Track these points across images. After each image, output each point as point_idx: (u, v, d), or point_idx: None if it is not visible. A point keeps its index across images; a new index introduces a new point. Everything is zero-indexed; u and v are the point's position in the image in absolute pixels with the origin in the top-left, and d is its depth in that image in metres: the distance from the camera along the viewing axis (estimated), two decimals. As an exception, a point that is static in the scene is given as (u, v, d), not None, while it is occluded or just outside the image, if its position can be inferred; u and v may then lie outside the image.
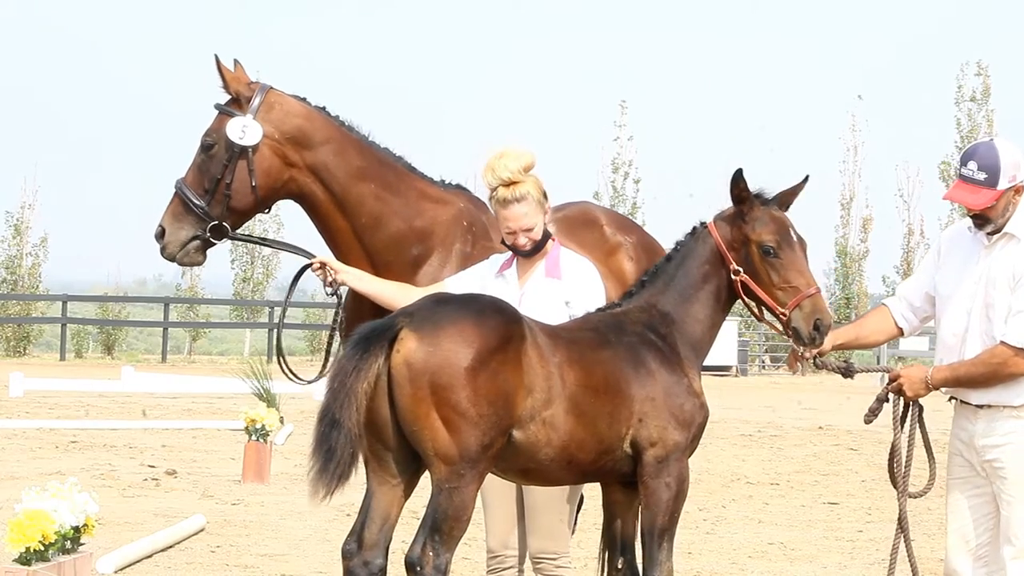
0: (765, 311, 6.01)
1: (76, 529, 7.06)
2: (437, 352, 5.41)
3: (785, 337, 6.09)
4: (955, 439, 6.21)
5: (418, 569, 5.40)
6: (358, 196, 6.65)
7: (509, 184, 6.27)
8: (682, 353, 5.94)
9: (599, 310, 6.13)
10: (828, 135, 56.27)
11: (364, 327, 5.62)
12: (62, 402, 22.68)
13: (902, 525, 6.34)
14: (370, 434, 5.56)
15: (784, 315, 5.91)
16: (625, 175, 48.21)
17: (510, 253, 6.47)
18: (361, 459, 5.63)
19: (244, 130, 6.53)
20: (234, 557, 10.08)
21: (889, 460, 6.33)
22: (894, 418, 6.26)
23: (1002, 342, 5.94)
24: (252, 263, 47.53)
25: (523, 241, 6.31)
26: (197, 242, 6.60)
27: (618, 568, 5.96)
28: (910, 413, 6.26)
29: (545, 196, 6.35)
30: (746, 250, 5.96)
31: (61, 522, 6.91)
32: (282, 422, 16.68)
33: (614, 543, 6.01)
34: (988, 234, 6.09)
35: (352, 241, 6.66)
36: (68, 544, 7.03)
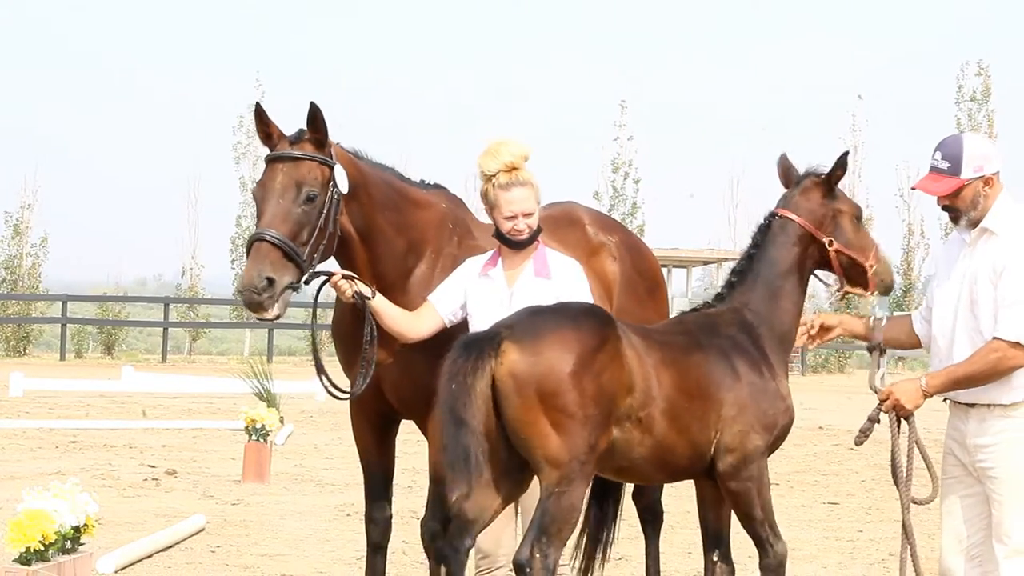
0: (848, 278, 6.36)
1: (76, 529, 7.06)
2: (540, 360, 5.49)
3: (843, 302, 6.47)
4: (949, 439, 6.24)
5: (528, 570, 5.50)
6: (377, 228, 6.60)
7: (511, 169, 6.29)
8: (771, 353, 6.08)
9: (693, 311, 6.25)
10: (828, 135, 56.24)
11: (467, 336, 5.74)
12: (62, 402, 22.65)
13: (908, 536, 6.33)
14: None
15: (872, 266, 6.34)
16: (625, 175, 48.19)
17: (489, 254, 6.46)
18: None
19: (344, 180, 6.40)
20: (234, 557, 10.06)
21: (893, 476, 6.35)
22: (892, 436, 6.27)
23: (995, 337, 5.93)
24: (252, 263, 47.41)
25: (522, 226, 6.31)
26: (291, 291, 6.34)
27: (714, 561, 6.11)
28: (906, 428, 6.27)
29: (539, 190, 6.39)
30: (837, 221, 6.34)
31: (61, 522, 6.91)
32: (282, 422, 16.70)
33: (708, 537, 6.16)
34: (969, 230, 6.12)
35: (365, 269, 6.58)
36: (68, 544, 7.03)
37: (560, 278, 6.34)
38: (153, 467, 14.93)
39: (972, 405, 6.08)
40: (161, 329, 41.98)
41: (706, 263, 45.92)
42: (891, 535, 11.46)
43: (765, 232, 6.25)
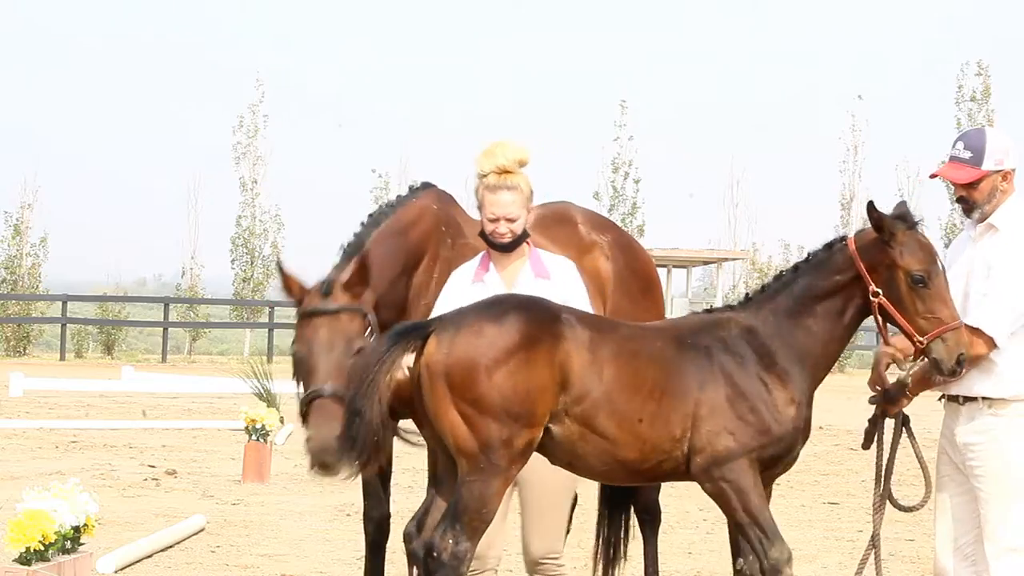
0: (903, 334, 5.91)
1: (76, 529, 7.08)
2: (452, 353, 5.59)
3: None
4: (942, 437, 6.28)
5: (435, 554, 5.56)
6: (388, 291, 6.70)
7: (502, 172, 6.29)
8: (780, 363, 5.82)
9: (705, 311, 6.08)
10: (828, 135, 56.33)
11: (398, 326, 5.80)
12: (62, 402, 22.68)
13: (875, 543, 6.28)
14: (431, 426, 5.75)
15: (921, 343, 5.79)
16: (625, 175, 48.23)
17: (476, 259, 6.45)
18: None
19: (375, 319, 6.48)
20: (234, 557, 10.09)
21: (875, 476, 6.32)
22: (878, 438, 6.22)
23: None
24: (252, 263, 47.53)
25: (503, 230, 6.30)
26: None
27: (738, 570, 5.94)
28: (896, 428, 6.23)
29: (531, 196, 6.36)
30: (891, 275, 5.82)
31: (61, 522, 6.92)
32: (282, 422, 16.70)
33: (732, 544, 6.02)
34: (977, 224, 6.15)
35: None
36: (68, 544, 7.04)
37: (559, 278, 6.35)
38: (153, 467, 14.96)
39: (963, 403, 6.12)
40: (161, 329, 42.03)
41: (706, 263, 45.97)
42: (891, 535, 11.45)
43: (823, 251, 5.98)
